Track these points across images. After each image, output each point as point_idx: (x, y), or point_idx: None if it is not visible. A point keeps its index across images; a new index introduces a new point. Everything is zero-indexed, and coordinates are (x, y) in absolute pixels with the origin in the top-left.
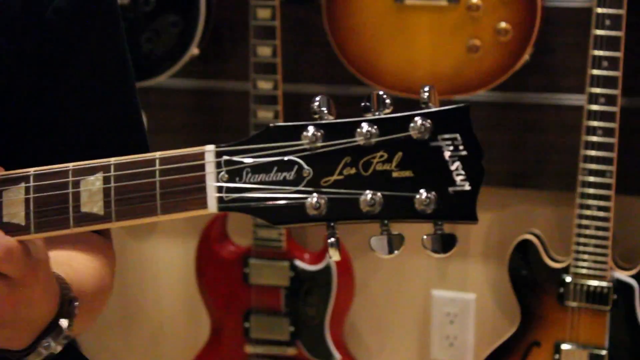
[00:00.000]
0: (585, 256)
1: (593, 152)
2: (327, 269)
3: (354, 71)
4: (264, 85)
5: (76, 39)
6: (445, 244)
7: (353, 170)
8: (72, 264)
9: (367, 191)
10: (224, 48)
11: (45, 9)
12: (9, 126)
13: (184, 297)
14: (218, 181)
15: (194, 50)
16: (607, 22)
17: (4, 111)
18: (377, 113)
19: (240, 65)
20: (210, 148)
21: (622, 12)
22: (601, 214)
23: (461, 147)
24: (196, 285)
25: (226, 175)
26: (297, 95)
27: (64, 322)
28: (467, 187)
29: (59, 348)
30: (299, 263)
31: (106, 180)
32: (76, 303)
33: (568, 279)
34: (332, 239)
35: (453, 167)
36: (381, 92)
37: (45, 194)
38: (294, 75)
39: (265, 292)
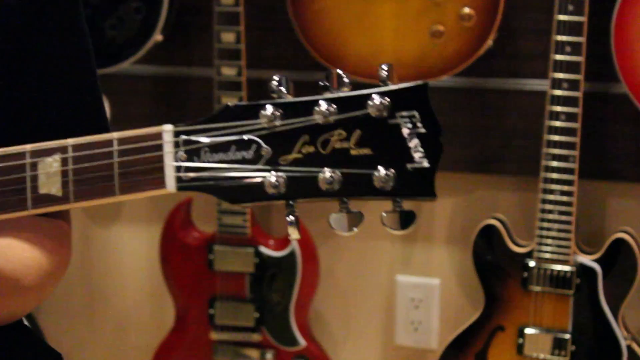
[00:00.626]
0: (549, 241)
1: (556, 137)
2: (292, 255)
3: (318, 57)
4: (228, 71)
5: (35, 24)
6: (404, 220)
7: (311, 149)
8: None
9: (326, 169)
10: (188, 34)
11: None
12: None
13: (148, 284)
14: (176, 161)
15: (158, 37)
16: (570, 7)
17: None
18: (335, 92)
19: (205, 51)
20: (168, 128)
21: None
22: (564, 198)
23: (419, 125)
24: (161, 272)
25: (184, 155)
26: (262, 81)
27: None
28: (426, 164)
29: None
30: (263, 249)
31: (64, 161)
32: None
33: (532, 263)
34: (292, 217)
35: (411, 144)
36: (339, 71)
37: (2, 177)
38: (259, 62)
39: (230, 278)
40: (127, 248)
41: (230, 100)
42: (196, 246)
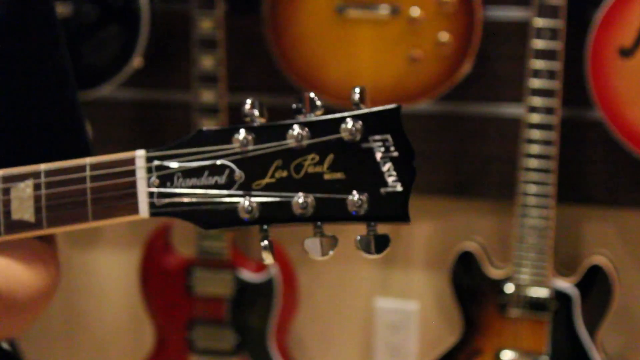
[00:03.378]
0: (527, 265)
1: (533, 163)
2: (271, 279)
3: (298, 82)
4: (207, 96)
5: (14, 47)
6: (378, 244)
7: (285, 173)
8: None
9: (300, 193)
10: (167, 59)
11: None
12: None
13: (128, 308)
14: (149, 186)
15: (137, 61)
16: (546, 34)
17: None
18: (308, 115)
19: (184, 76)
20: (140, 153)
21: (560, 23)
22: (542, 223)
23: (392, 148)
24: (140, 296)
25: (157, 180)
26: (241, 105)
27: None
28: (399, 188)
29: None
30: (243, 273)
31: (36, 186)
32: None
33: (509, 288)
34: (265, 242)
35: (384, 168)
36: (312, 94)
37: None
38: (238, 86)
39: (209, 302)
40: (106, 271)
41: (209, 125)
42: (175, 270)
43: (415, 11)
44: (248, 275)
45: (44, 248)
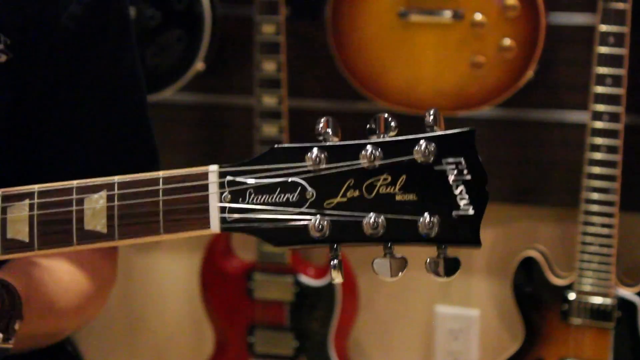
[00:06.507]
0: (589, 273)
1: (597, 170)
2: (331, 284)
3: (359, 87)
4: (269, 100)
5: (90, 46)
6: (448, 268)
7: (356, 193)
8: (32, 274)
9: (371, 214)
10: (229, 63)
11: (61, 15)
12: (18, 133)
13: (188, 311)
14: (221, 201)
15: (199, 65)
16: (611, 40)
17: (14, 117)
18: (382, 135)
19: (245, 80)
20: (213, 168)
21: (625, 29)
22: (605, 231)
23: (465, 172)
24: (200, 299)
25: (229, 196)
26: (302, 110)
27: None
28: (471, 212)
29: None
30: (303, 278)
31: (110, 198)
32: (17, 321)
33: (572, 296)
34: (335, 261)
35: (457, 191)
36: (386, 115)
37: (49, 210)
38: (299, 91)
39: (269, 306)
40: (167, 275)
41: (270, 129)
42: (236, 274)
43: (478, 16)
44: (308, 280)
45: (103, 251)
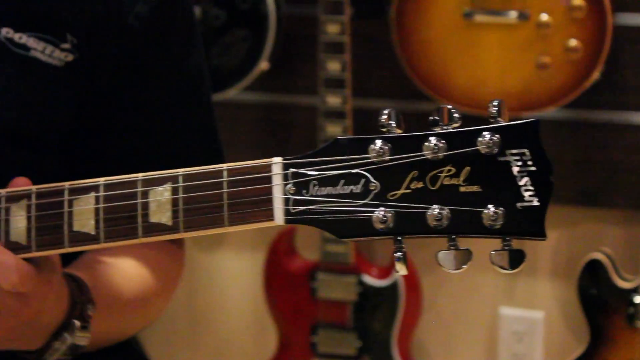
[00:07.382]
0: None
1: None
2: (395, 284)
3: (423, 87)
4: (333, 100)
5: (156, 45)
6: (513, 260)
7: (420, 184)
8: (97, 267)
9: (435, 206)
10: (293, 63)
11: (127, 15)
12: (83, 132)
13: (251, 310)
14: (285, 193)
15: (264, 65)
16: None
17: (80, 116)
18: (445, 127)
19: (310, 79)
20: (277, 160)
21: None
22: None
23: (530, 163)
24: (263, 298)
25: (293, 188)
26: (366, 110)
27: (76, 322)
28: (536, 203)
29: (80, 340)
30: (366, 278)
31: (174, 190)
32: (89, 305)
33: (638, 299)
34: (399, 254)
35: (521, 183)
36: (449, 106)
37: (114, 203)
38: (363, 91)
39: (332, 306)
40: (231, 273)
41: (334, 129)
42: (299, 274)
43: (544, 17)
44: (372, 280)
45: (170, 247)
